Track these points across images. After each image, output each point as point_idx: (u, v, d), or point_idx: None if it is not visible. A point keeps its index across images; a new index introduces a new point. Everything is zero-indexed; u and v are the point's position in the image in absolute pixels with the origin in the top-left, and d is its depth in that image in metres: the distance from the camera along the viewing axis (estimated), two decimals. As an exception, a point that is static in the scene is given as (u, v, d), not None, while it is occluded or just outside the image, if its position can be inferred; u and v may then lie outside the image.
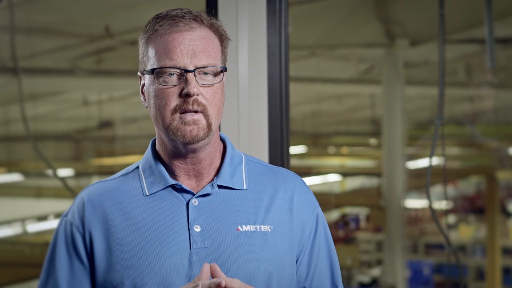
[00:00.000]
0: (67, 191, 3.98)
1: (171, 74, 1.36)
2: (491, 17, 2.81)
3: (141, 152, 1.51)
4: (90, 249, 1.40)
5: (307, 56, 6.29)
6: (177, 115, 1.36)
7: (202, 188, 1.42)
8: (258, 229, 1.41)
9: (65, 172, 7.46)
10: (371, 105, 9.21)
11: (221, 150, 1.48)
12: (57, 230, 1.46)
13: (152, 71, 1.37)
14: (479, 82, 7.21)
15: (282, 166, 2.10)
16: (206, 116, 1.37)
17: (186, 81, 1.35)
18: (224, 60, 1.43)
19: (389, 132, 6.63)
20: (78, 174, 8.10)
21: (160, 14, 1.40)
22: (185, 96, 1.35)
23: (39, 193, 6.94)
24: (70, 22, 4.80)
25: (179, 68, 1.35)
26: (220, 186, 1.43)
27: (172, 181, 1.41)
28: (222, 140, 1.50)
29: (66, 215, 1.46)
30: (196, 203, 1.41)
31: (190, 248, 1.37)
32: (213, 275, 1.28)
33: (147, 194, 1.42)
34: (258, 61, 2.12)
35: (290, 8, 2.18)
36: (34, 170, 7.09)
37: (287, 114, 2.15)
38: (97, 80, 6.49)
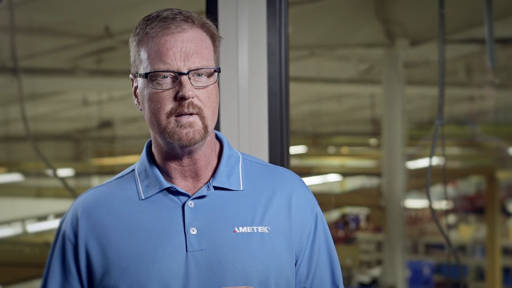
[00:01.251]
0: (67, 191, 3.99)
1: (164, 77, 1.35)
2: (491, 17, 2.81)
3: (141, 152, 1.50)
4: (86, 259, 1.40)
5: (307, 56, 6.28)
6: (173, 118, 1.34)
7: (198, 190, 1.41)
8: (255, 231, 1.39)
9: (65, 172, 7.46)
10: (371, 105, 9.20)
11: (218, 149, 1.47)
12: (55, 238, 1.46)
13: (146, 75, 1.36)
14: (480, 82, 7.21)
15: (282, 166, 2.09)
16: (202, 118, 1.35)
17: (180, 84, 1.34)
18: (217, 59, 1.42)
19: (389, 132, 6.63)
20: (78, 174, 8.10)
21: (150, 16, 1.39)
22: (180, 99, 1.34)
23: (39, 193, 6.93)
24: (70, 22, 4.79)
25: (173, 71, 1.34)
26: (216, 188, 1.42)
27: (167, 184, 1.40)
28: (219, 139, 1.49)
29: (62, 222, 1.46)
30: (192, 205, 1.39)
31: (187, 251, 1.36)
32: None
33: (143, 198, 1.41)
34: (258, 61, 2.11)
35: (290, 8, 2.18)
36: (34, 170, 7.08)
37: (287, 114, 2.15)
38: (97, 80, 6.49)
